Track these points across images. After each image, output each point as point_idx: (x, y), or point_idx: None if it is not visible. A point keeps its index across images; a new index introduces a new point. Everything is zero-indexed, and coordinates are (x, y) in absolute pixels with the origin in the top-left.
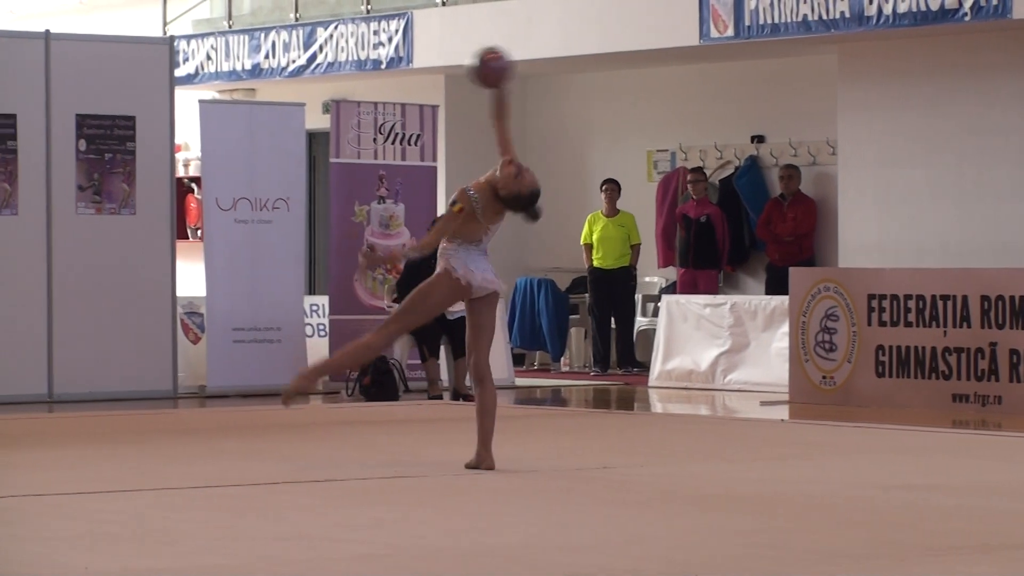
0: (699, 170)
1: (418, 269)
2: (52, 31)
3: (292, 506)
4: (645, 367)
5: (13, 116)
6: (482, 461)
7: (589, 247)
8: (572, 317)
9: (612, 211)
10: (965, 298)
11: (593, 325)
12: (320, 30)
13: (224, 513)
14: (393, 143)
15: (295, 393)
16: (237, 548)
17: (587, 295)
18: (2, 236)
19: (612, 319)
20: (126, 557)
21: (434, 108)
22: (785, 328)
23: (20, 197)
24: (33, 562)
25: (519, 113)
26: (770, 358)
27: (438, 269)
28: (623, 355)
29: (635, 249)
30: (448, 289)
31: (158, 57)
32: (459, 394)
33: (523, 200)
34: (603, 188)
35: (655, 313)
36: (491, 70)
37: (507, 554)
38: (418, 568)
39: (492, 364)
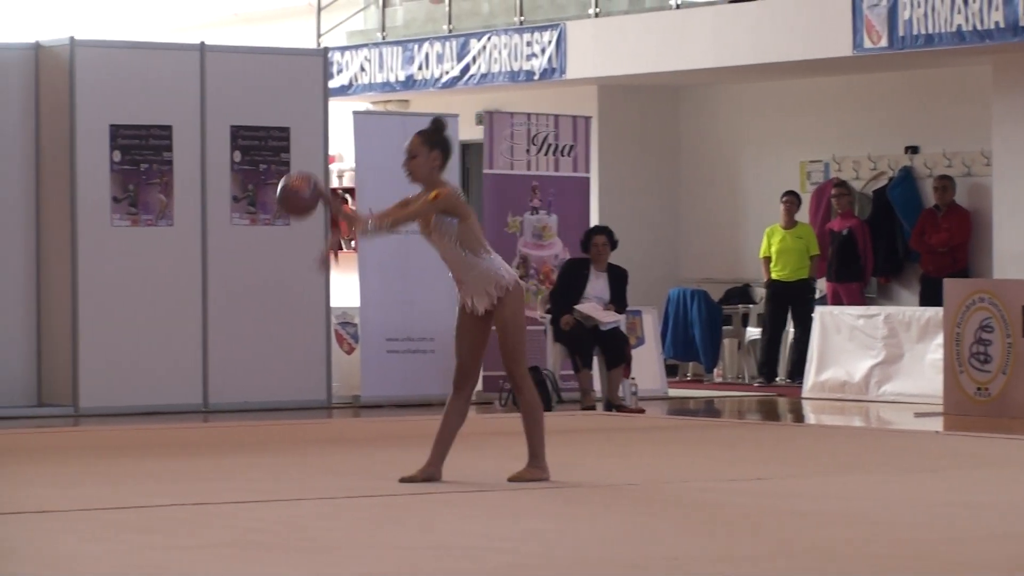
0: (843, 184)
1: (571, 280)
2: (207, 43)
3: (444, 516)
4: None
5: (169, 127)
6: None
7: (768, 260)
8: (725, 328)
9: (790, 223)
10: None
11: (766, 336)
12: (473, 41)
13: (376, 523)
14: (546, 154)
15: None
16: (388, 557)
17: (740, 306)
18: (158, 247)
19: (785, 331)
20: (276, 566)
21: (587, 119)
22: (939, 339)
23: (176, 208)
24: (185, 571)
25: (673, 124)
26: (924, 369)
27: (505, 285)
28: (796, 366)
29: (813, 261)
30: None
31: (312, 69)
32: (612, 404)
33: None
34: (783, 200)
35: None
36: (295, 200)
37: (662, 565)
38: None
39: (644, 375)
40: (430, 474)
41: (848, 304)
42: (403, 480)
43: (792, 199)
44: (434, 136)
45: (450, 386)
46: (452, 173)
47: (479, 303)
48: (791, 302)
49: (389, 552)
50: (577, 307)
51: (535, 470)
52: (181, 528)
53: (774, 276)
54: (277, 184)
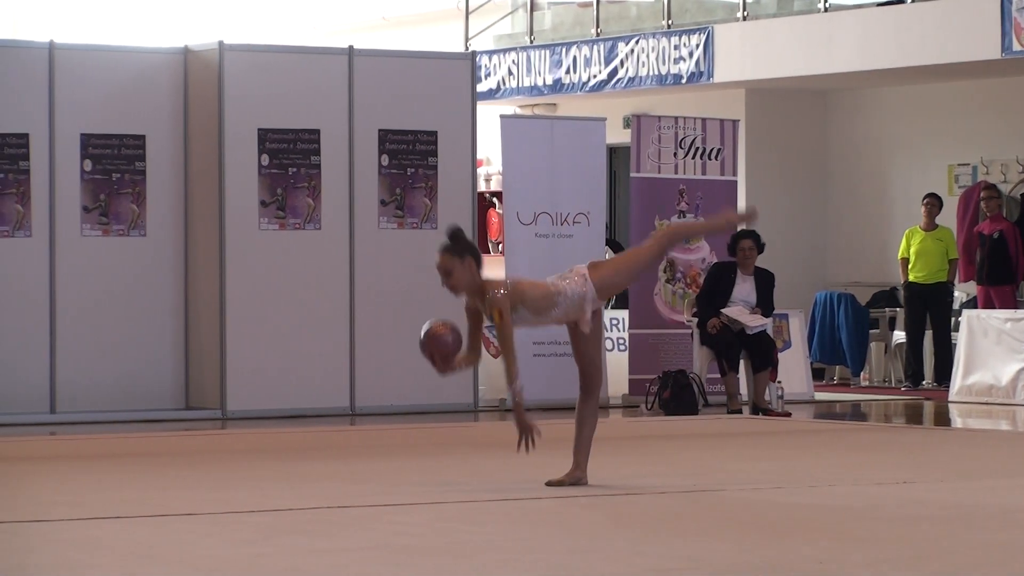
0: (992, 187)
1: (718, 284)
2: (355, 47)
3: (587, 520)
4: None
5: (316, 131)
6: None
7: (906, 261)
8: (872, 331)
9: (931, 225)
10: None
11: (906, 340)
12: (621, 45)
13: (521, 526)
14: (693, 157)
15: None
16: (531, 560)
17: (887, 309)
18: (306, 250)
19: (927, 334)
20: (422, 570)
21: (734, 122)
22: None
23: (323, 212)
24: (329, 573)
25: (820, 127)
26: None
27: (591, 309)
28: (939, 370)
29: (952, 264)
30: None
31: (460, 72)
32: (759, 408)
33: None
34: (924, 202)
35: (956, 328)
36: (440, 343)
37: (808, 568)
38: None
39: (790, 378)
40: (576, 478)
41: (1000, 307)
42: (549, 484)
43: (933, 201)
44: (458, 246)
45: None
46: (599, 176)
47: (583, 324)
48: (929, 304)
49: (533, 556)
50: (724, 311)
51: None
52: (328, 531)
53: (912, 278)
54: (423, 189)
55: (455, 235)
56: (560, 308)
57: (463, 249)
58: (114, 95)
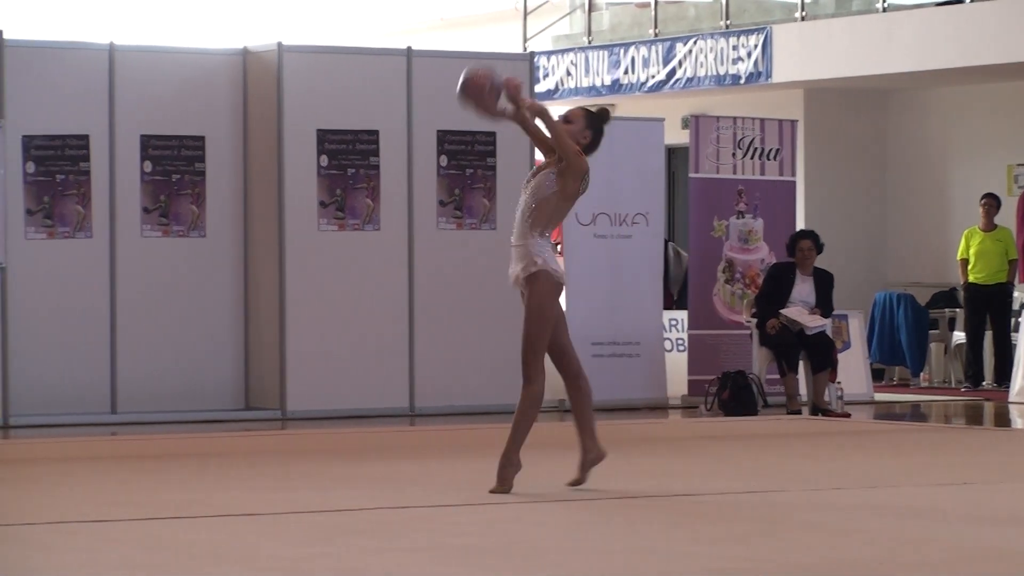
0: None
1: (777, 284)
2: (414, 48)
3: (649, 520)
4: None
5: (376, 132)
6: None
7: (965, 262)
8: (932, 332)
9: (990, 225)
10: None
11: (966, 340)
12: (679, 45)
13: (579, 526)
14: (752, 158)
15: (503, 489)
16: (588, 561)
17: (947, 310)
18: (365, 251)
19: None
20: (478, 569)
21: (793, 123)
22: None
23: (382, 212)
24: (391, 572)
25: (879, 127)
26: None
27: (532, 270)
28: (999, 371)
29: (1012, 264)
30: (556, 295)
31: (519, 73)
32: (818, 409)
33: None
34: (982, 202)
35: (1016, 328)
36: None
37: (868, 569)
38: None
39: (850, 379)
40: (593, 459)
41: None
42: (572, 484)
43: (991, 201)
44: (596, 120)
45: (652, 390)
46: (658, 177)
47: (510, 273)
48: (988, 305)
49: (589, 556)
50: (783, 311)
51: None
52: (388, 532)
53: (971, 279)
54: (482, 189)
55: (603, 114)
56: (526, 241)
57: (595, 125)
58: (174, 96)
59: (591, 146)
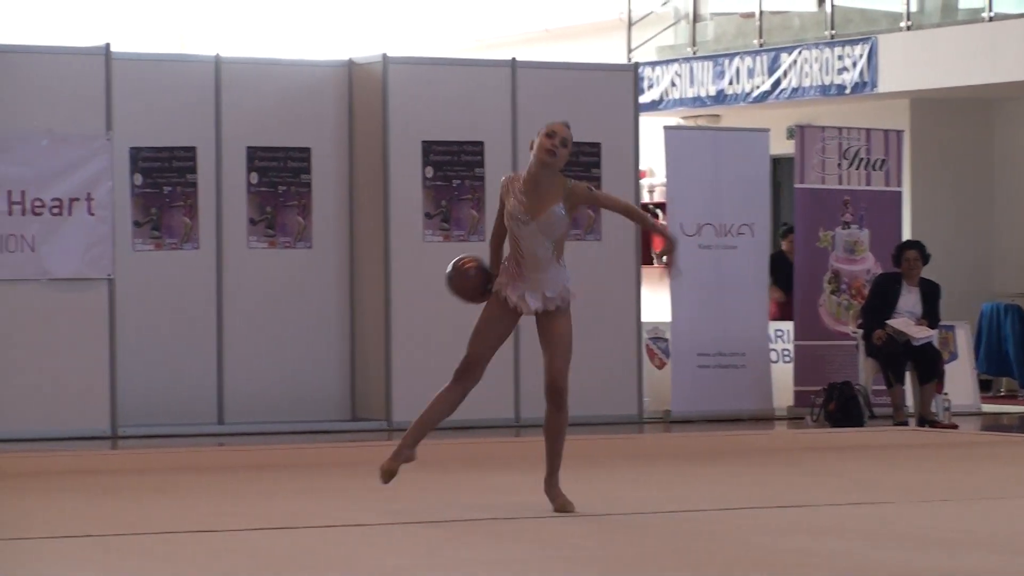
0: None
1: (883, 295)
2: (518, 59)
3: (754, 530)
4: None
5: (480, 144)
6: (554, 500)
7: None
8: None
9: None
10: None
11: None
12: (784, 55)
13: (687, 537)
14: (858, 168)
15: (388, 474)
16: (689, 573)
17: None
18: None
19: None
20: None
21: (899, 133)
22: None
23: (486, 224)
24: None
25: (986, 136)
26: None
27: (567, 298)
28: None
29: None
30: None
31: (623, 84)
32: (925, 420)
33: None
34: None
35: None
36: (466, 280)
37: None
38: None
39: (957, 390)
40: (407, 456)
41: None
42: (383, 476)
43: None
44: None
45: (758, 401)
46: (763, 187)
47: (531, 302)
48: None
49: (698, 570)
50: (889, 322)
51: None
52: (494, 542)
53: None
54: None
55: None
56: (554, 271)
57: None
58: (280, 108)
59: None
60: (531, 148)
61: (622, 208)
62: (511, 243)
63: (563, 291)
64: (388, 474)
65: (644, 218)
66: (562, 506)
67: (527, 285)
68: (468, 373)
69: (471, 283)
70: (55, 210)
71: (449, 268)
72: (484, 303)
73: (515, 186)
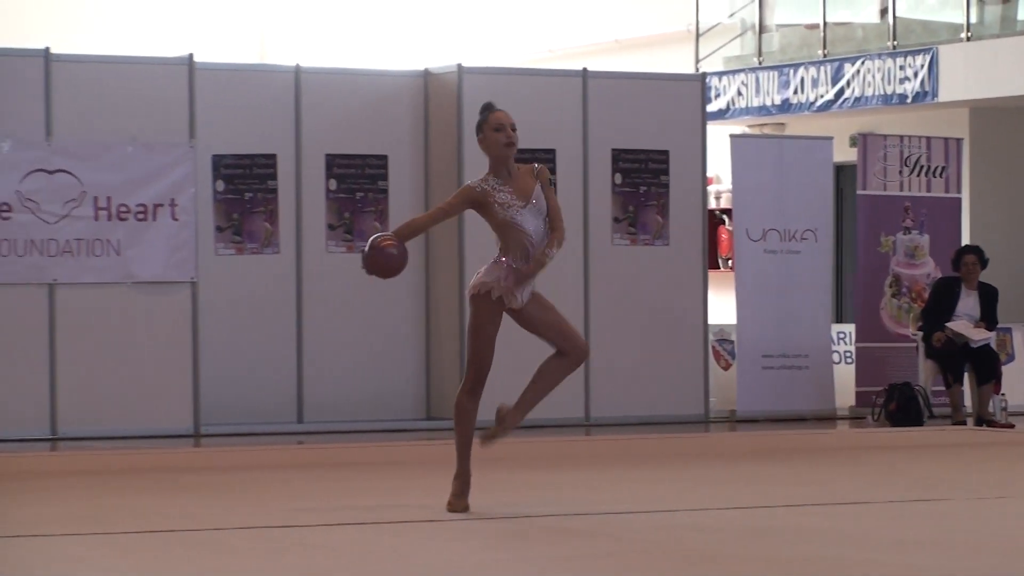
0: None
1: (943, 298)
2: (589, 69)
3: (815, 528)
4: None
5: (552, 151)
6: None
7: None
8: None
9: None
10: None
11: None
12: (847, 66)
13: (749, 534)
14: (918, 175)
15: (497, 436)
16: (757, 570)
17: None
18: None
19: None
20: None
21: (958, 141)
22: None
23: None
24: None
25: None
26: None
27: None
28: None
29: None
30: None
31: (690, 93)
32: (982, 420)
33: None
34: None
35: None
36: (381, 257)
37: None
38: None
39: (1014, 391)
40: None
41: None
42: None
43: None
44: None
45: (821, 401)
46: (826, 194)
47: (523, 297)
48: None
49: (760, 565)
50: (948, 324)
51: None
52: (564, 538)
53: None
54: (655, 206)
55: (486, 106)
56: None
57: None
58: (358, 116)
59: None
60: (483, 146)
61: (554, 213)
62: (514, 238)
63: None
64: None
65: (551, 243)
66: (493, 433)
67: (531, 279)
68: (482, 383)
69: (394, 262)
70: (140, 215)
71: (367, 248)
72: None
73: (489, 186)
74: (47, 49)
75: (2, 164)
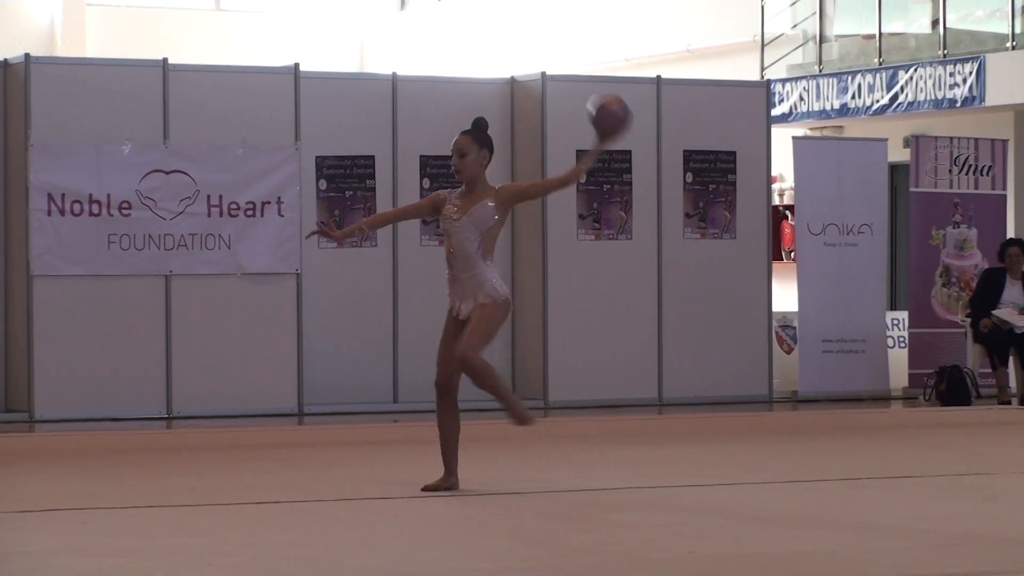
0: None
1: (989, 287)
2: (662, 76)
3: (870, 501)
4: None
5: (628, 152)
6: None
7: None
8: None
9: None
10: None
11: None
12: (901, 73)
13: (807, 504)
14: (967, 174)
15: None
16: (818, 537)
17: None
18: (619, 259)
19: None
20: (726, 543)
21: (1004, 142)
22: None
23: (634, 223)
24: (644, 546)
25: None
26: None
27: (494, 297)
28: None
29: None
30: (506, 314)
31: (756, 99)
32: None
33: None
34: None
35: None
36: (611, 117)
37: None
38: (992, 557)
39: None
40: (451, 483)
41: None
42: (425, 489)
43: None
44: (481, 135)
45: (876, 382)
46: (881, 191)
47: (464, 307)
48: None
49: (820, 532)
50: (994, 312)
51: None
52: (638, 508)
53: None
54: (723, 203)
55: (480, 124)
56: (478, 270)
57: (484, 141)
58: (449, 121)
59: (490, 156)
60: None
61: (555, 184)
62: (445, 250)
63: (490, 290)
64: (434, 489)
65: (576, 171)
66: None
67: (461, 290)
68: (451, 385)
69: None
70: (249, 212)
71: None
72: None
73: (452, 196)
74: (165, 60)
75: (123, 165)
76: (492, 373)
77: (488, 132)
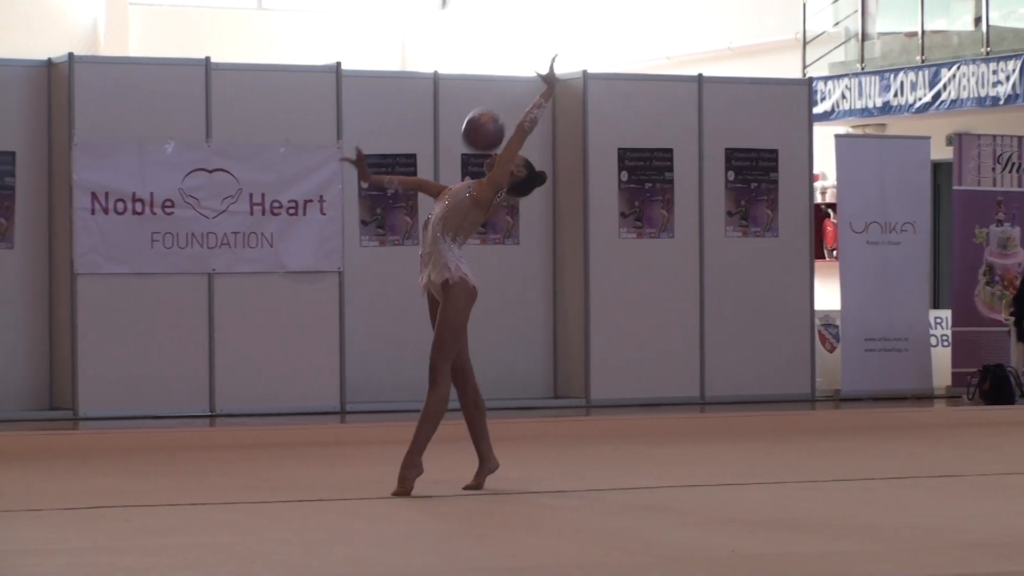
0: None
1: None
2: (704, 75)
3: (906, 500)
4: None
5: (670, 151)
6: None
7: None
8: None
9: None
10: None
11: None
12: (944, 70)
13: (849, 504)
14: (1010, 172)
15: (405, 490)
16: (859, 536)
17: None
18: (660, 257)
19: None
20: (767, 542)
21: None
22: None
23: (676, 222)
24: (687, 545)
25: None
26: None
27: (454, 279)
28: None
29: None
30: (472, 303)
31: (798, 97)
32: None
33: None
34: None
35: None
36: (482, 132)
37: None
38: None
39: None
40: (490, 468)
41: None
42: (466, 488)
43: None
44: (534, 171)
45: (919, 381)
46: (924, 190)
47: (419, 280)
48: None
49: (861, 531)
50: None
51: (408, 468)
52: (681, 507)
53: None
54: (765, 201)
55: (541, 177)
56: (440, 249)
57: (535, 172)
58: None
59: (521, 184)
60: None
61: (514, 146)
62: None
63: (441, 270)
64: (476, 488)
65: (532, 113)
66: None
67: (424, 264)
68: (456, 368)
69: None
70: (291, 210)
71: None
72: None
73: (459, 183)
74: (207, 59)
75: (166, 164)
76: (438, 414)
77: (534, 185)
